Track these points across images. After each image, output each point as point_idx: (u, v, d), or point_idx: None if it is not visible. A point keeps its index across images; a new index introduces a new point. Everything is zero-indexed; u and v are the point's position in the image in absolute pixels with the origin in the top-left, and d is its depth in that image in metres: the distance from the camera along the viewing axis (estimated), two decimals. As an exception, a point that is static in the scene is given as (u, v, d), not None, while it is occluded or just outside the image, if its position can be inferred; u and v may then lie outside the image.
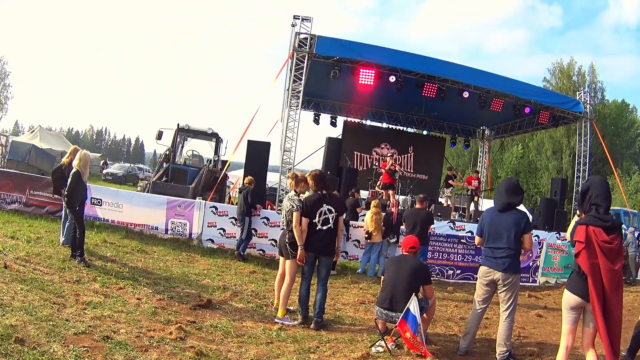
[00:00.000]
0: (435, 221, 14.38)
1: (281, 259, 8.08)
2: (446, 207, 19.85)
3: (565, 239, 13.97)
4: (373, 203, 12.96)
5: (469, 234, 14.48)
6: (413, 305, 6.33)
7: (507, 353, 6.52)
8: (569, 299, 5.39)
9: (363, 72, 17.35)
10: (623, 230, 15.32)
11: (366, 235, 12.75)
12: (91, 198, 12.73)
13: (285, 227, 7.92)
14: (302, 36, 16.69)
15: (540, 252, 13.92)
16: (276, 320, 7.50)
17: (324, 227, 7.54)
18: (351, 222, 13.39)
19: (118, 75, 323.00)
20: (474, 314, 6.96)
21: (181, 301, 7.78)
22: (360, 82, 17.51)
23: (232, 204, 18.39)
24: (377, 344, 6.74)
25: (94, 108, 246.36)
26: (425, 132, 29.34)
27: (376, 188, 19.79)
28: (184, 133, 19.38)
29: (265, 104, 17.47)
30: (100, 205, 13.10)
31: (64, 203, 10.20)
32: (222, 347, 6.00)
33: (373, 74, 17.33)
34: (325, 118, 27.47)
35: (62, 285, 7.51)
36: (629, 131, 52.60)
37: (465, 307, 10.02)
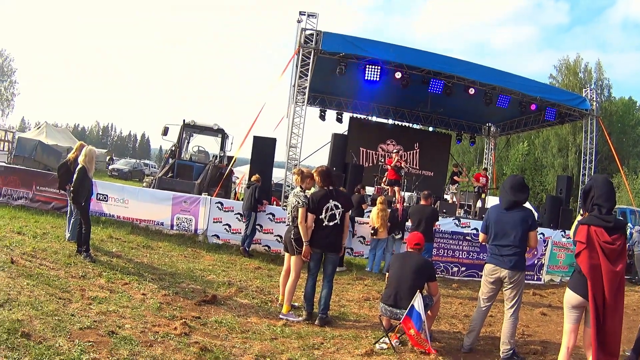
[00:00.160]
0: (440, 218, 14.37)
1: (286, 255, 8.08)
2: (451, 204, 19.85)
3: (570, 238, 13.99)
4: (379, 199, 12.95)
5: (474, 231, 14.47)
6: (417, 302, 6.34)
7: (511, 351, 6.51)
8: (570, 298, 5.34)
9: (369, 68, 17.36)
10: (629, 230, 15.33)
11: (372, 232, 12.74)
12: (97, 194, 12.76)
13: (290, 223, 7.92)
14: (307, 32, 16.72)
15: (545, 250, 13.88)
16: (281, 316, 7.50)
17: (331, 223, 7.53)
18: (357, 219, 13.39)
19: (124, 72, 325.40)
20: (478, 311, 6.95)
21: (186, 297, 7.80)
22: (366, 78, 17.53)
23: (238, 199, 18.42)
24: (381, 340, 6.74)
25: (100, 104, 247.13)
26: (431, 129, 29.31)
27: (382, 184, 19.79)
28: (189, 129, 19.39)
29: (271, 100, 17.48)
30: (106, 200, 13.13)
31: (69, 199, 10.25)
32: (226, 343, 6.01)
33: (379, 70, 17.33)
34: (331, 114, 27.55)
35: (68, 280, 7.53)
36: (636, 129, 52.36)
37: (469, 304, 10.01)
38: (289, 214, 7.96)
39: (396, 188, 18.13)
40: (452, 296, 10.85)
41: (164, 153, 23.85)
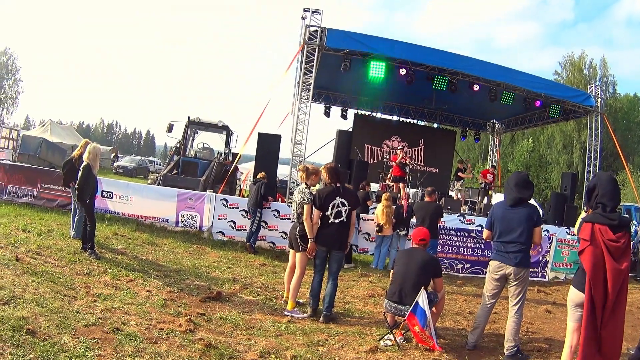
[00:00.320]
0: (445, 214, 14.35)
1: (291, 251, 8.07)
2: (456, 201, 19.83)
3: (575, 234, 13.95)
4: (384, 196, 12.95)
5: (479, 228, 14.45)
6: (422, 299, 6.33)
7: (515, 348, 6.50)
8: (574, 296, 5.31)
9: (373, 64, 17.34)
10: (633, 227, 15.28)
11: (377, 228, 12.74)
12: (102, 191, 12.78)
13: (295, 220, 7.92)
14: (312, 29, 16.71)
15: (550, 247, 13.86)
16: (285, 312, 7.52)
17: (337, 221, 7.52)
18: (362, 215, 13.37)
19: (128, 71, 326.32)
20: (483, 308, 6.94)
21: (191, 293, 7.82)
22: (370, 74, 17.51)
23: (243, 196, 18.43)
24: (385, 337, 6.74)
25: (104, 102, 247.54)
26: (435, 125, 29.32)
27: (387, 181, 19.79)
28: (194, 126, 19.40)
29: (275, 97, 17.50)
30: (111, 198, 13.16)
31: (73, 196, 10.28)
32: (231, 339, 6.02)
33: (383, 67, 17.32)
34: (335, 111, 27.54)
35: (73, 277, 7.56)
36: (642, 125, 52.14)
37: (474, 301, 10.00)
38: (294, 210, 7.95)
39: (401, 184, 18.13)
40: (457, 293, 10.85)
41: (168, 150, 23.85)
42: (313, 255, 7.61)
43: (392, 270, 7.35)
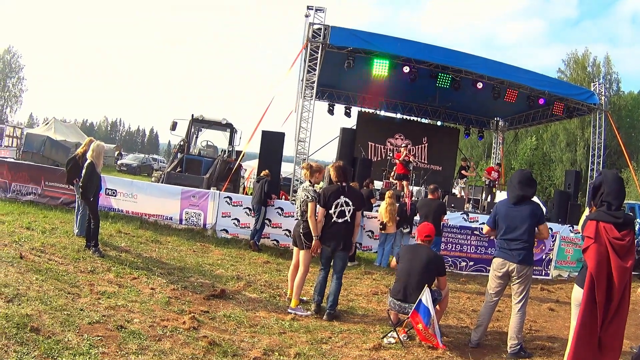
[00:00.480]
0: (448, 212, 14.35)
1: (295, 249, 8.09)
2: (460, 199, 19.82)
3: (579, 232, 13.90)
4: (387, 194, 12.94)
5: (482, 226, 14.43)
6: (425, 297, 6.32)
7: (519, 346, 6.51)
8: (578, 294, 5.25)
9: (377, 62, 17.33)
10: (637, 226, 15.25)
11: (380, 226, 12.74)
12: (106, 189, 12.83)
13: (299, 218, 7.92)
14: (315, 27, 16.70)
15: (554, 245, 13.84)
16: (289, 310, 7.53)
17: (340, 220, 7.50)
18: (365, 213, 13.37)
19: (132, 69, 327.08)
20: (486, 306, 6.95)
21: (195, 291, 7.83)
22: (374, 72, 17.49)
23: (246, 194, 18.45)
24: (389, 335, 6.75)
25: (108, 100, 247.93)
26: (439, 123, 29.21)
27: (390, 179, 19.78)
28: (198, 123, 19.44)
29: (279, 94, 17.47)
30: (115, 195, 13.19)
31: (77, 194, 10.30)
32: (234, 337, 6.03)
33: (387, 65, 17.31)
34: (339, 108, 27.51)
35: (77, 275, 7.58)
36: (646, 124, 51.99)
37: (477, 299, 10.00)
38: (297, 208, 7.96)
39: (404, 182, 18.12)
40: (460, 291, 10.85)
41: (172, 148, 23.95)
42: (317, 253, 7.62)
43: (393, 260, 7.36)
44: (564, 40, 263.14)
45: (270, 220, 13.16)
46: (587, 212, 5.55)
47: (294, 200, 14.05)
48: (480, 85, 18.41)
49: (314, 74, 17.07)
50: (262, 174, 13.40)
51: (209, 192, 13.48)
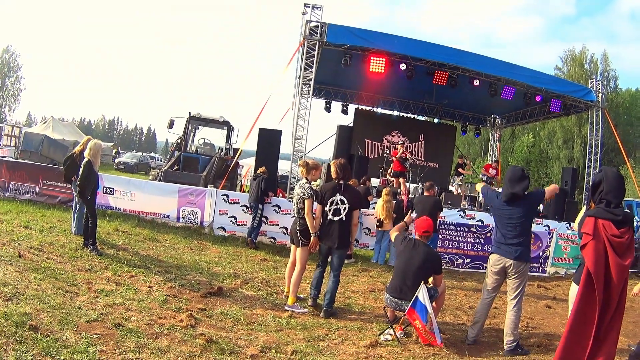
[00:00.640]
0: (445, 209, 14.37)
1: (292, 246, 8.09)
2: (456, 196, 19.83)
3: (575, 230, 13.92)
4: (384, 191, 12.96)
5: (479, 223, 14.48)
6: (422, 294, 6.35)
7: (515, 343, 6.53)
8: (575, 292, 5.28)
9: (374, 59, 17.35)
10: (635, 223, 15.29)
11: (377, 224, 12.76)
12: (103, 187, 12.82)
13: (296, 215, 7.95)
14: (312, 24, 16.71)
15: (550, 242, 13.87)
16: (286, 307, 7.54)
17: (335, 218, 7.51)
18: (362, 210, 13.39)
19: (129, 68, 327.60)
20: (482, 302, 6.96)
21: (192, 289, 7.85)
22: (371, 69, 17.51)
23: (244, 192, 18.47)
24: (385, 332, 6.77)
25: (106, 99, 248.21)
26: (436, 120, 29.27)
27: (387, 176, 19.81)
28: (195, 121, 19.45)
29: (276, 92, 17.52)
30: (113, 194, 13.19)
31: (74, 192, 10.32)
32: (232, 335, 6.06)
33: (384, 62, 17.33)
34: (336, 106, 27.53)
35: (75, 273, 7.60)
36: (643, 121, 52.02)
37: (474, 296, 10.03)
38: (294, 205, 7.98)
39: (401, 179, 18.16)
40: (457, 288, 10.88)
41: (169, 146, 23.90)
42: (315, 249, 7.64)
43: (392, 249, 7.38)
44: (562, 37, 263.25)
45: (267, 218, 13.16)
46: (583, 210, 5.54)
47: (291, 197, 14.07)
48: (477, 82, 18.46)
49: (311, 72, 17.09)
50: (259, 171, 13.40)
51: (206, 190, 13.48)
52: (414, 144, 26.70)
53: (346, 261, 11.59)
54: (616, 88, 53.55)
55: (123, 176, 16.89)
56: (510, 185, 6.55)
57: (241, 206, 13.28)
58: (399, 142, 21.19)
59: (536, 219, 15.26)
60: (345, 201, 7.52)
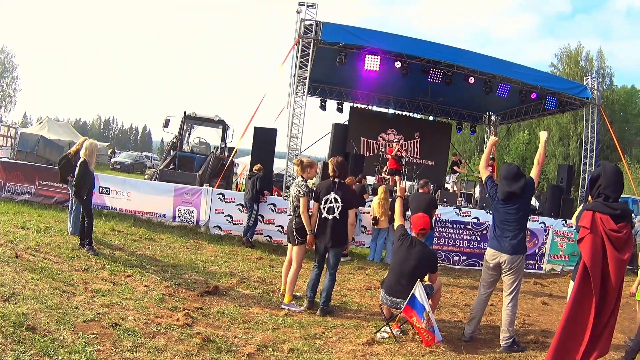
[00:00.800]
0: (441, 207, 14.39)
1: (289, 245, 8.11)
2: (452, 193, 19.84)
3: (571, 227, 13.93)
4: (380, 189, 12.98)
5: (475, 220, 14.50)
6: (418, 291, 6.36)
7: (511, 339, 6.55)
8: None
9: (369, 58, 17.34)
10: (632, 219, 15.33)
11: (373, 221, 12.78)
12: (99, 187, 12.82)
13: (292, 213, 7.96)
14: (307, 23, 16.71)
15: (546, 239, 13.90)
16: (283, 306, 7.57)
17: (329, 217, 7.52)
18: (359, 208, 13.41)
19: (124, 68, 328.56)
20: (479, 299, 6.98)
21: (188, 288, 7.86)
22: (366, 68, 17.50)
23: (240, 190, 18.46)
24: (382, 329, 6.80)
25: (101, 99, 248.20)
26: (431, 118, 29.30)
27: (383, 174, 19.81)
28: (190, 121, 19.42)
29: (271, 90, 17.50)
30: (109, 193, 13.18)
31: (70, 192, 10.31)
32: (228, 333, 6.08)
33: (378, 60, 17.32)
34: (331, 104, 27.54)
35: (72, 273, 7.60)
36: (639, 117, 51.98)
37: (470, 293, 10.06)
38: (290, 203, 7.99)
39: (397, 177, 18.16)
40: (453, 285, 10.91)
41: (165, 145, 23.91)
42: (312, 247, 7.65)
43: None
44: (558, 34, 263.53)
45: (263, 217, 13.15)
46: (580, 208, 5.53)
47: (286, 196, 14.08)
48: (472, 80, 18.43)
49: (306, 70, 17.09)
50: (254, 169, 13.39)
51: (202, 189, 13.47)
52: (409, 142, 26.72)
53: (342, 259, 11.61)
54: (612, 85, 53.51)
55: (119, 176, 16.87)
56: (507, 184, 6.55)
57: (237, 205, 13.27)
58: (395, 140, 21.23)
59: (532, 216, 15.25)
60: (339, 199, 7.52)
